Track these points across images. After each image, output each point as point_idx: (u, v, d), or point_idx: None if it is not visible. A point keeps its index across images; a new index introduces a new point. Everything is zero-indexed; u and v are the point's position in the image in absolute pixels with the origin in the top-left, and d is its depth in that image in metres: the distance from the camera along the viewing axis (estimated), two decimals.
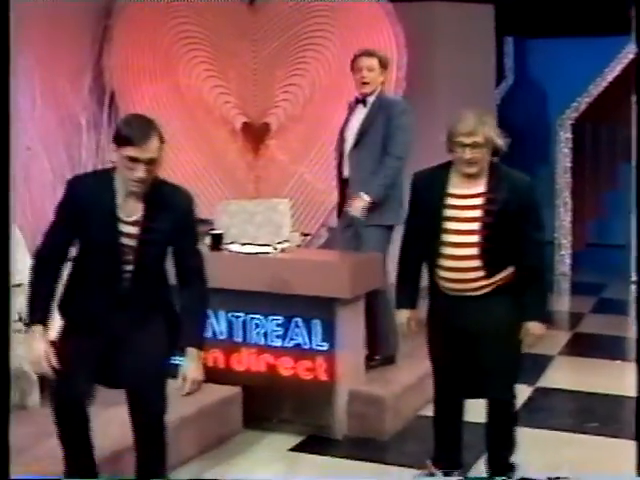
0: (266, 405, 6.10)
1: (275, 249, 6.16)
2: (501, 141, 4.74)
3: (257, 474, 5.48)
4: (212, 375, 6.05)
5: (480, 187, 4.76)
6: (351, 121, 6.63)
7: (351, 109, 6.70)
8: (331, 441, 5.99)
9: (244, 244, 6.24)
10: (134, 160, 4.20)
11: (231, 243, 6.26)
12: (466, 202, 4.77)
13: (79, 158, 7.76)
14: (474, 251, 4.72)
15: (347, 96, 7.92)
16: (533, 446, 5.47)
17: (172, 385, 5.58)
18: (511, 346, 4.84)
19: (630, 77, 11.74)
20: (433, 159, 10.26)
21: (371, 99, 6.55)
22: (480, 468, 5.42)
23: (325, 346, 5.96)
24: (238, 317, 6.15)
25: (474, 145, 4.67)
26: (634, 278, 11.19)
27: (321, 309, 5.95)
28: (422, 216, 4.90)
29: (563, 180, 12.03)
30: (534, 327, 4.79)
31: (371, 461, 5.70)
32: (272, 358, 6.08)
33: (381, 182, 6.42)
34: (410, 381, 6.50)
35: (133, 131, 4.23)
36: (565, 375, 7.67)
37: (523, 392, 6.65)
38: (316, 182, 8.06)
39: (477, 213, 4.74)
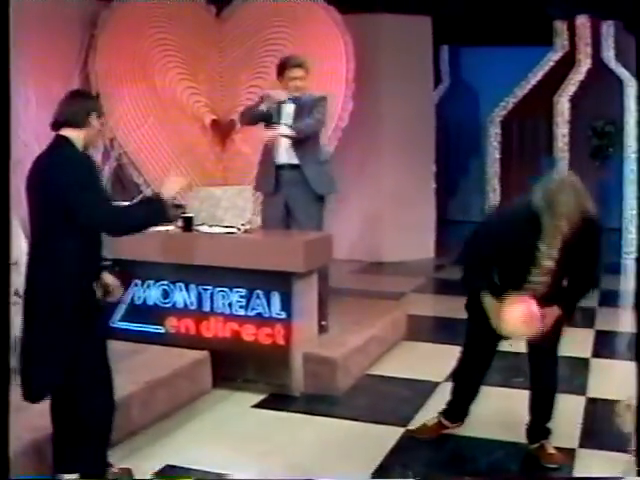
0: (232, 367, 6.02)
1: (239, 230, 6.08)
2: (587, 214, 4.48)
3: (223, 428, 5.40)
4: (184, 341, 6.06)
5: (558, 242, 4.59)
6: (282, 116, 6.61)
7: (278, 105, 6.65)
8: (289, 398, 5.93)
9: (212, 225, 6.16)
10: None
11: (201, 225, 6.17)
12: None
13: None
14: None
15: None
16: None
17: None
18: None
19: (550, 81, 11.78)
20: (378, 150, 10.30)
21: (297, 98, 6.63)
22: (419, 421, 5.39)
23: (283, 315, 5.88)
24: (206, 289, 6.06)
25: (571, 227, 4.48)
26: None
27: (279, 282, 5.88)
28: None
29: (492, 170, 12.07)
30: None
31: (325, 415, 5.64)
32: (236, 325, 6.00)
33: (301, 127, 6.49)
34: (358, 344, 6.46)
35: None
36: None
37: (457, 353, 6.66)
38: None
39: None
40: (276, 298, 5.89)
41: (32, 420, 4.67)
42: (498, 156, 12.34)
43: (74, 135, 4.26)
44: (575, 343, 7.41)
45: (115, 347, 5.87)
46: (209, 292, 6.05)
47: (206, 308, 6.07)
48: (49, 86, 7.45)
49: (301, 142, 6.52)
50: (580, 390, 6.07)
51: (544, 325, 4.63)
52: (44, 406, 4.62)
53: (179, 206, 6.81)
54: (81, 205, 4.13)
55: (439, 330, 7.77)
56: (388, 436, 5.24)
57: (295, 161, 6.57)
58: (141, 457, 4.89)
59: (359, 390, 6.15)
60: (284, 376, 5.98)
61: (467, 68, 14.45)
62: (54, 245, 4.17)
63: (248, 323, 5.96)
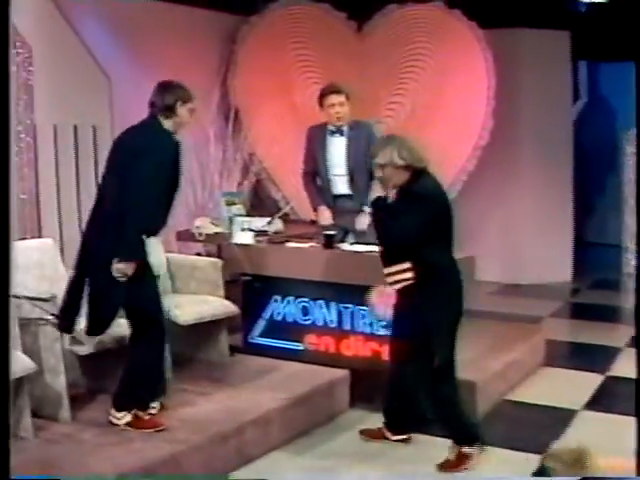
0: (370, 387, 6.00)
1: None
2: (401, 161, 4.77)
3: (360, 448, 5.43)
4: (323, 358, 6.11)
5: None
6: (332, 148, 6.63)
7: (323, 136, 6.66)
8: (428, 421, 5.90)
9: (353, 243, 6.21)
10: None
11: (342, 242, 6.23)
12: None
13: (207, 165, 7.81)
14: None
15: (442, 113, 7.88)
16: (604, 428, 5.34)
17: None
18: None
19: None
20: (516, 169, 10.18)
21: (345, 128, 6.58)
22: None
23: None
24: (347, 308, 6.09)
25: (379, 166, 4.85)
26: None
27: None
28: None
29: (628, 188, 11.79)
30: None
31: None
32: (377, 345, 6.00)
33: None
34: (497, 368, 6.42)
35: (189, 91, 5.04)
36: (631, 365, 7.48)
37: (595, 380, 6.57)
38: None
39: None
40: None
41: (173, 433, 4.83)
42: (635, 175, 12.09)
43: (164, 121, 4.93)
44: None
45: (255, 362, 6.08)
46: (350, 311, 6.08)
47: (346, 326, 6.10)
48: None
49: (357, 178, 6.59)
50: None
51: None
52: (183, 422, 4.80)
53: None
54: (135, 179, 4.70)
55: (578, 356, 7.66)
56: (526, 464, 5.17)
57: (349, 192, 6.62)
58: (281, 471, 5.01)
59: (497, 416, 6.10)
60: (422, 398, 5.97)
61: (605, 84, 14.23)
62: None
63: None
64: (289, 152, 8.21)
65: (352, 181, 6.59)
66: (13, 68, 6.37)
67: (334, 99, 6.49)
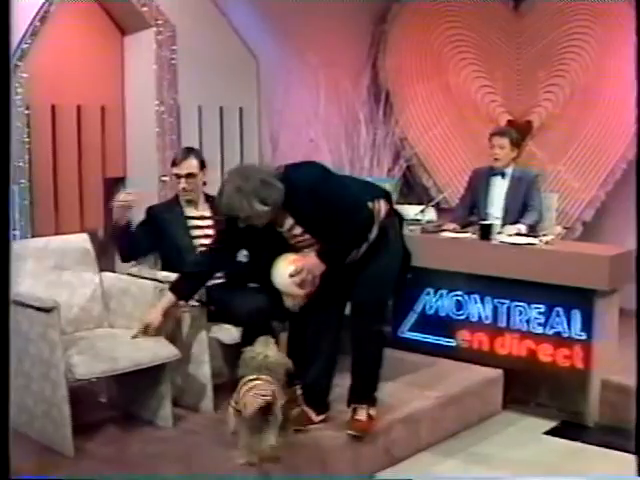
0: (524, 388, 5.86)
1: (540, 241, 5.88)
2: (265, 207, 4.24)
3: (513, 454, 5.23)
4: (475, 356, 5.96)
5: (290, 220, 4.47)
6: (491, 190, 6.64)
7: (485, 177, 6.69)
8: (583, 427, 5.69)
9: (511, 235, 6.00)
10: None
11: (499, 233, 6.04)
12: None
13: (357, 150, 7.69)
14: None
15: (603, 96, 7.55)
16: None
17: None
18: None
19: None
20: None
21: (509, 171, 6.59)
22: None
23: (583, 335, 5.64)
24: (503, 303, 5.90)
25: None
26: None
27: (580, 300, 5.63)
28: None
29: None
30: None
31: (620, 450, 5.27)
32: (533, 344, 5.81)
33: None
34: None
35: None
36: None
37: None
38: (572, 180, 7.68)
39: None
40: (577, 317, 5.65)
41: (319, 429, 4.72)
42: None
43: None
44: None
45: (404, 358, 5.95)
46: (505, 306, 5.89)
47: (501, 323, 5.92)
48: (338, 83, 7.57)
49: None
50: None
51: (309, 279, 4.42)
52: (330, 418, 4.75)
53: None
54: None
55: None
56: None
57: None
58: (428, 473, 4.88)
59: None
60: (579, 403, 5.75)
61: None
62: None
63: (546, 342, 5.76)
64: (442, 137, 8.05)
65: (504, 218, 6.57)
66: (154, 46, 6.39)
67: (495, 140, 6.60)
